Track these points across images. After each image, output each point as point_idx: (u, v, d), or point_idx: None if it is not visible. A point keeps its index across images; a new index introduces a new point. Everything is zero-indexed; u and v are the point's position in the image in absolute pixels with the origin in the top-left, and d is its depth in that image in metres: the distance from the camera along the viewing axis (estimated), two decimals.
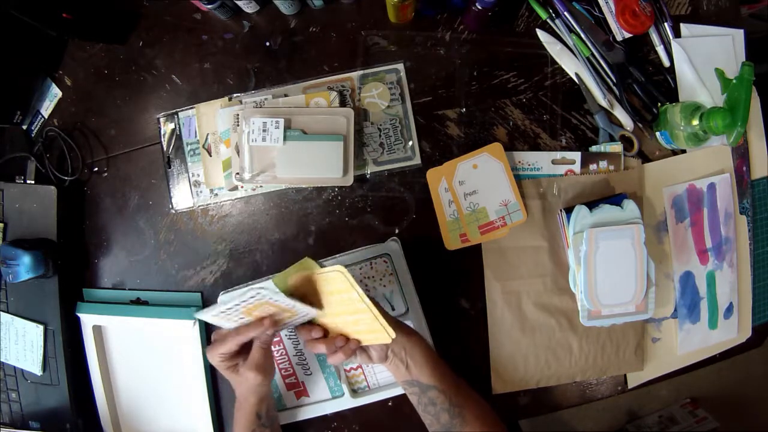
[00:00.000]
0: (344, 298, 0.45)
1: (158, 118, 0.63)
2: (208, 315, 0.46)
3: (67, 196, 0.62)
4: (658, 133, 0.61)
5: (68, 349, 0.62)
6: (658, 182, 0.61)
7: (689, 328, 0.63)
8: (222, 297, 0.60)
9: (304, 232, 0.62)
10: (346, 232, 0.61)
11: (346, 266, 0.59)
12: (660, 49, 0.61)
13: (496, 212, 0.59)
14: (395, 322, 0.49)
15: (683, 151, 0.62)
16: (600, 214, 0.55)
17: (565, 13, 0.60)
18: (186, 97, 0.63)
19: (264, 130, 0.57)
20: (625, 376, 0.63)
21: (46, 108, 0.65)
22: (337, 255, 0.59)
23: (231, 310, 0.46)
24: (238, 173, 0.60)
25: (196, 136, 0.62)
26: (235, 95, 0.62)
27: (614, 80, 0.60)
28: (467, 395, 0.50)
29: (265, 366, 0.49)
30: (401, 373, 0.50)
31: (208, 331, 0.63)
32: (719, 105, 0.57)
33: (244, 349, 0.49)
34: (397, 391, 0.60)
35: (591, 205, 0.56)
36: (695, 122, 0.55)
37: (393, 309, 0.59)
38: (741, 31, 0.63)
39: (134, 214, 0.64)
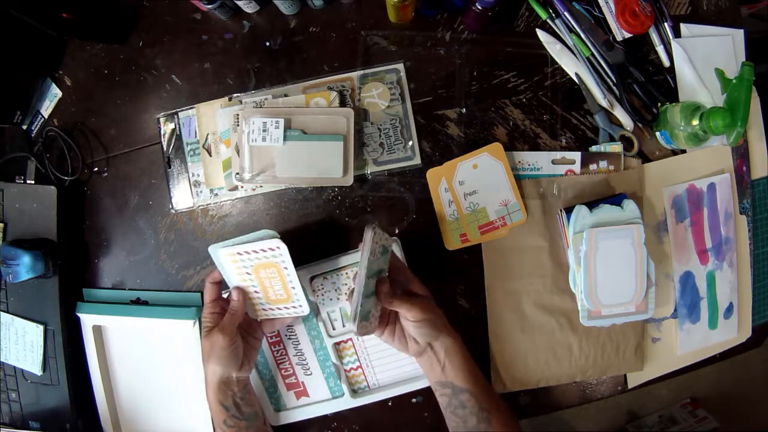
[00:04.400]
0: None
1: (158, 118, 0.63)
2: (225, 251, 0.50)
3: (67, 196, 0.62)
4: (658, 133, 0.61)
5: (68, 349, 0.62)
6: (658, 182, 0.61)
7: (689, 328, 0.63)
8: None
9: (304, 232, 0.62)
10: (346, 232, 0.61)
11: (347, 266, 0.59)
12: (660, 49, 0.61)
13: (496, 212, 0.59)
14: (443, 321, 0.51)
15: (683, 151, 0.62)
16: (600, 214, 0.55)
17: (565, 13, 0.60)
18: (186, 97, 0.63)
19: (264, 130, 0.57)
20: (625, 376, 0.63)
21: (46, 108, 0.65)
22: (337, 255, 0.59)
23: (248, 255, 0.50)
24: (238, 173, 0.60)
25: (196, 136, 0.62)
26: (235, 95, 0.62)
27: (614, 80, 0.60)
28: (496, 401, 0.50)
29: (232, 335, 0.51)
30: (436, 373, 0.50)
31: None
32: (719, 105, 0.57)
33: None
34: (397, 391, 0.60)
35: (591, 205, 0.56)
36: (695, 122, 0.55)
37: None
38: (741, 31, 0.63)
39: (134, 214, 0.64)
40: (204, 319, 0.53)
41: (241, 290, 0.53)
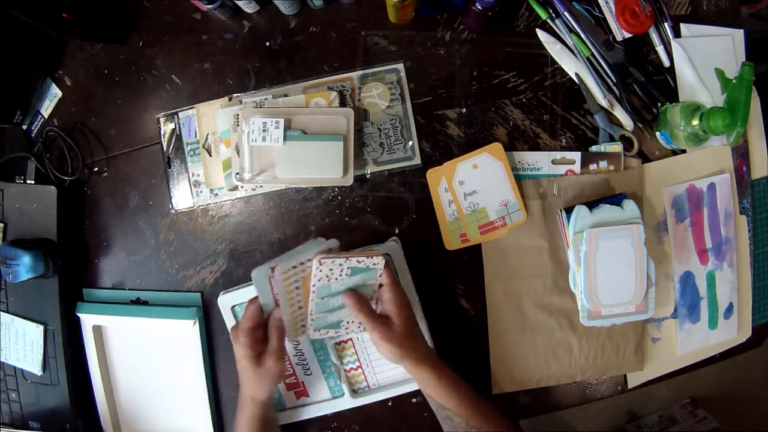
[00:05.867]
0: None
1: (158, 118, 0.63)
2: (282, 264, 0.47)
3: (67, 196, 0.62)
4: (658, 133, 0.61)
5: (68, 349, 0.62)
6: (658, 182, 0.61)
7: (689, 328, 0.63)
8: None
9: (304, 232, 0.62)
10: (346, 232, 0.61)
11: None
12: (660, 49, 0.61)
13: (496, 212, 0.59)
14: (417, 355, 0.49)
15: (683, 151, 0.62)
16: (600, 214, 0.55)
17: (565, 13, 0.60)
18: (186, 97, 0.63)
19: (264, 130, 0.57)
20: (625, 376, 0.63)
21: (46, 108, 0.65)
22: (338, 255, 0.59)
23: (304, 266, 0.48)
24: (238, 173, 0.60)
25: (196, 136, 0.62)
26: (235, 95, 0.62)
27: (614, 80, 0.60)
28: (486, 416, 0.50)
29: (283, 358, 0.50)
30: (416, 383, 0.52)
31: (208, 331, 0.63)
32: (719, 105, 0.57)
33: (264, 341, 0.50)
34: (397, 391, 0.60)
35: (591, 205, 0.56)
36: (695, 122, 0.55)
37: None
38: (741, 31, 0.63)
39: (134, 214, 0.64)
40: (245, 351, 0.49)
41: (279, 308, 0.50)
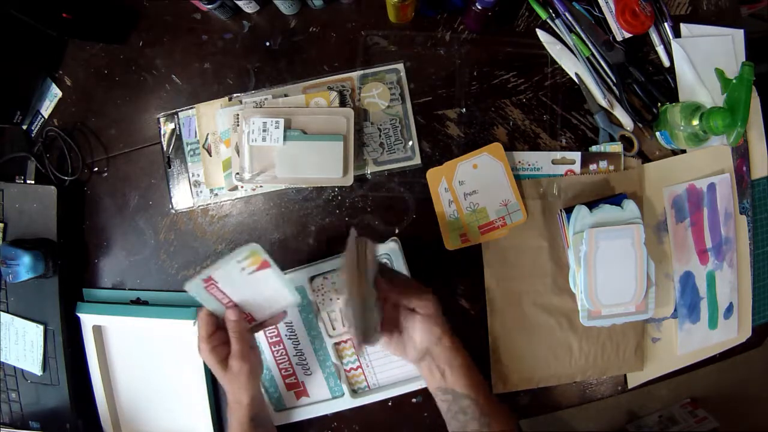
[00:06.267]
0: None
1: (158, 118, 0.63)
2: (201, 277, 0.47)
3: (67, 196, 0.62)
4: (658, 133, 0.61)
5: (68, 349, 0.62)
6: (658, 182, 0.61)
7: (689, 328, 0.63)
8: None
9: (304, 232, 0.62)
10: (346, 232, 0.61)
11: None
12: (660, 49, 0.61)
13: (496, 212, 0.59)
14: (445, 326, 0.48)
15: (683, 151, 0.62)
16: (600, 214, 0.55)
17: (565, 13, 0.60)
18: (186, 97, 0.63)
19: (264, 130, 0.57)
20: (625, 376, 0.63)
21: (46, 108, 0.65)
22: (338, 255, 0.59)
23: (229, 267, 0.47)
24: (238, 173, 0.60)
25: (196, 136, 0.62)
26: (235, 95, 0.62)
27: (614, 80, 0.60)
28: (496, 406, 0.49)
29: (249, 356, 0.49)
30: (436, 379, 0.49)
31: None
32: (719, 105, 0.57)
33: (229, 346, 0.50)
34: (397, 391, 0.60)
35: (591, 205, 0.56)
36: (695, 122, 0.55)
37: None
38: (741, 31, 0.63)
39: (134, 214, 0.64)
40: (208, 357, 0.49)
41: (236, 308, 0.50)
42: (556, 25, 0.61)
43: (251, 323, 0.53)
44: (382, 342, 0.49)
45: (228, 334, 0.50)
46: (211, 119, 0.62)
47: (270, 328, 0.60)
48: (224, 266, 0.47)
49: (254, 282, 0.49)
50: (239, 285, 0.49)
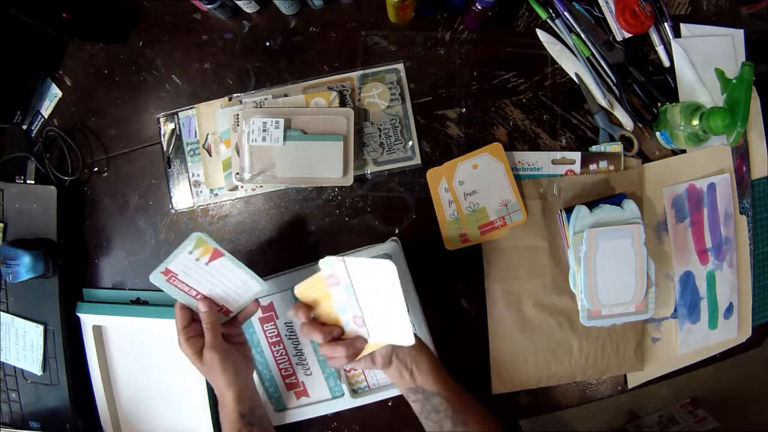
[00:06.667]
0: (374, 290, 0.45)
1: (158, 118, 0.63)
2: (162, 270, 0.48)
3: (67, 196, 0.62)
4: (658, 133, 0.61)
5: (68, 349, 0.62)
6: (658, 182, 0.61)
7: (689, 328, 0.63)
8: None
9: (304, 232, 0.62)
10: (346, 232, 0.61)
11: None
12: (660, 49, 0.61)
13: (496, 212, 0.59)
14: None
15: (683, 151, 0.62)
16: (600, 214, 0.55)
17: (565, 13, 0.60)
18: (186, 97, 0.63)
19: (264, 130, 0.57)
20: (625, 376, 0.63)
21: (46, 108, 0.65)
22: (337, 255, 0.59)
23: (188, 260, 0.48)
24: (238, 173, 0.60)
25: (196, 136, 0.62)
26: (235, 95, 0.62)
27: (614, 80, 0.60)
28: (469, 402, 0.50)
29: (222, 347, 0.50)
30: (405, 380, 0.49)
31: None
32: (719, 105, 0.57)
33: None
34: (398, 391, 0.60)
35: (591, 205, 0.56)
36: (695, 122, 0.55)
37: None
38: (741, 31, 0.63)
39: (134, 214, 0.64)
40: (184, 349, 0.50)
41: (207, 300, 0.51)
42: (556, 25, 0.61)
43: (228, 315, 0.53)
44: (352, 365, 0.49)
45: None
46: (211, 119, 0.62)
47: (270, 328, 0.60)
48: (176, 258, 0.48)
49: (215, 273, 0.50)
50: (200, 277, 0.50)
